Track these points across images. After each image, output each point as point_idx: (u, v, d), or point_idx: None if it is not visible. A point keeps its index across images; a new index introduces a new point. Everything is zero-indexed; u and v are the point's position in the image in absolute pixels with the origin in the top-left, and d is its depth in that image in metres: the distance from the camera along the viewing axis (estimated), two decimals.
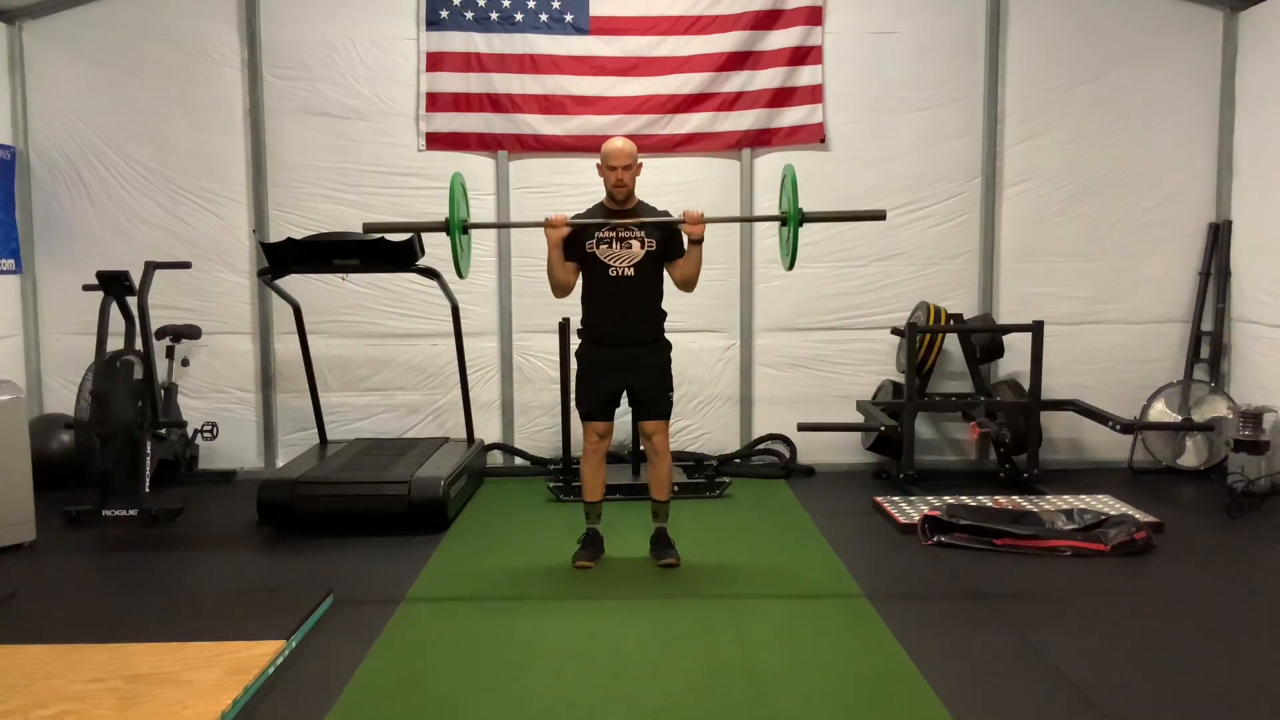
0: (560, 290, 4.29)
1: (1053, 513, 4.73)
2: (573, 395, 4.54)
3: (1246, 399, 5.63)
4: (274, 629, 3.42)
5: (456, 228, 4.08)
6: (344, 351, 6.11)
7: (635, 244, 4.19)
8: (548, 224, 4.14)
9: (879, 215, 4.29)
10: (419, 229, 4.58)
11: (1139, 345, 6.14)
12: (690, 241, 4.16)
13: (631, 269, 4.19)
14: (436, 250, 5.60)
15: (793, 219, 4.06)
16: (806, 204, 5.98)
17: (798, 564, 4.37)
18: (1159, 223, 6.09)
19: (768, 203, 6.07)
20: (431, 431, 6.15)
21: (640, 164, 4.26)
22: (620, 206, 4.22)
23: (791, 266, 4.23)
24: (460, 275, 4.31)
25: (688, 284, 4.25)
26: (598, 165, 4.27)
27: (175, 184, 5.98)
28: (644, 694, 3.06)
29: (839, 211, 4.70)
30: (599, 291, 4.25)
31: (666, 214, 4.28)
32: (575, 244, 4.20)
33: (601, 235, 4.19)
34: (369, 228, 4.27)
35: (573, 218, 4.22)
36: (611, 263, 4.19)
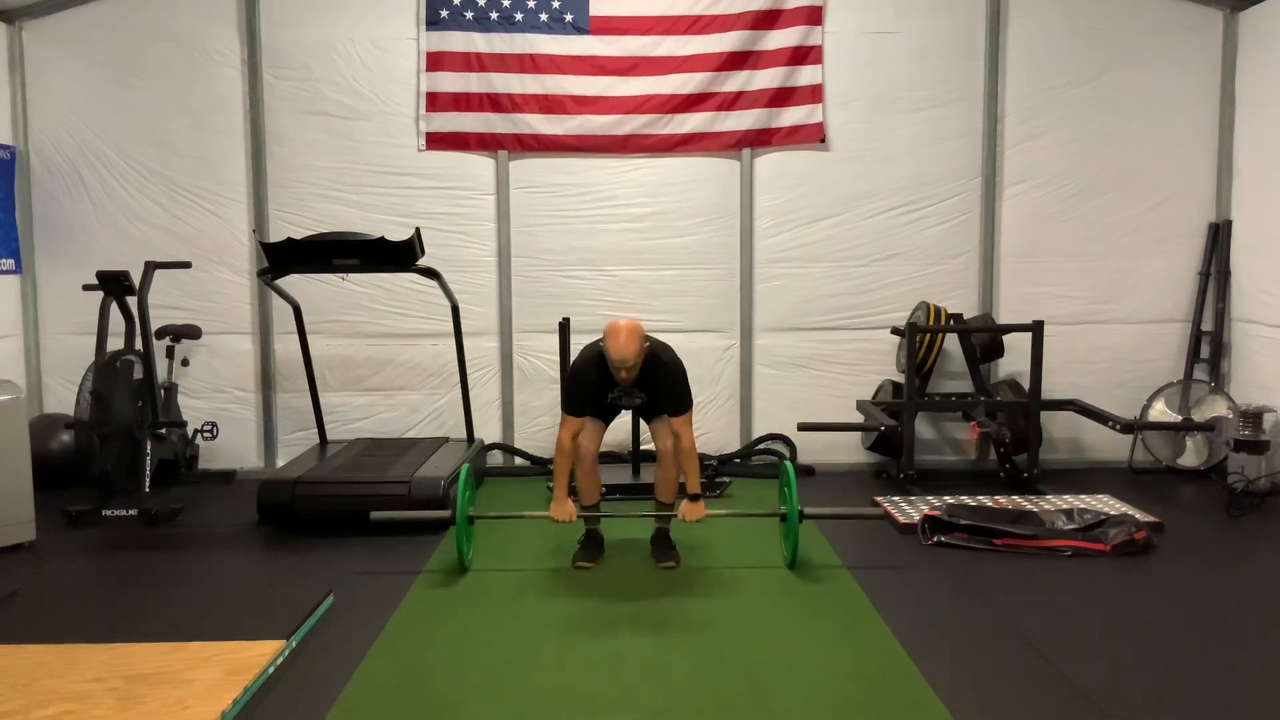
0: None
1: (1053, 513, 4.73)
2: (562, 395, 4.38)
3: (1246, 399, 5.63)
4: (274, 629, 3.42)
5: (463, 520, 4.25)
6: (344, 351, 6.11)
7: (638, 399, 4.30)
8: (553, 518, 4.25)
9: (878, 515, 4.70)
10: (423, 520, 4.57)
11: (1139, 345, 6.14)
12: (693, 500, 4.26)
13: (639, 402, 4.33)
14: (436, 250, 5.61)
15: (792, 516, 4.24)
16: (805, 204, 6.07)
17: (798, 564, 4.36)
18: (1159, 223, 6.09)
19: (767, 202, 6.08)
20: (431, 431, 6.15)
21: (645, 346, 4.09)
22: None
23: (792, 564, 4.29)
24: (464, 569, 4.28)
25: (684, 468, 4.28)
26: (600, 343, 4.13)
27: (175, 184, 5.98)
28: (644, 694, 3.06)
29: (839, 511, 4.72)
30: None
31: (669, 374, 4.20)
32: (595, 398, 4.25)
33: (612, 395, 4.27)
34: (376, 519, 4.40)
35: (582, 377, 4.22)
36: (622, 405, 4.35)
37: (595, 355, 4.16)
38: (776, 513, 4.44)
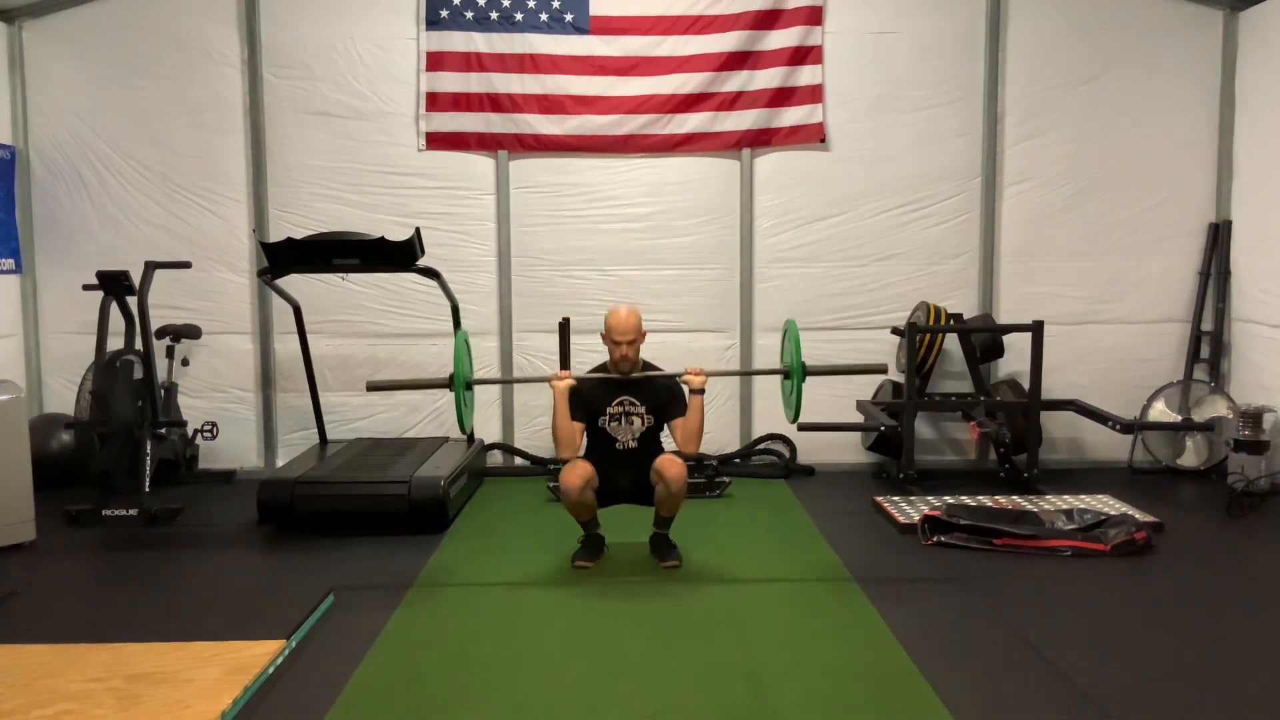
0: (566, 448, 4.19)
1: (1053, 513, 4.73)
2: (556, 411, 4.24)
3: (1246, 399, 5.62)
4: (274, 628, 3.42)
5: (461, 384, 4.19)
6: (344, 351, 6.11)
7: (637, 420, 4.28)
8: (554, 379, 4.20)
9: (880, 368, 4.54)
10: (421, 385, 4.58)
11: (1139, 345, 6.14)
12: (691, 392, 4.19)
13: (635, 442, 4.29)
14: (436, 250, 5.61)
15: (795, 373, 4.17)
16: (805, 204, 6.07)
17: (798, 564, 4.37)
18: (1159, 223, 6.09)
19: (767, 202, 6.08)
20: (431, 431, 6.15)
21: (644, 333, 4.22)
22: (624, 378, 4.26)
23: (795, 420, 4.30)
24: (463, 431, 4.32)
25: (690, 440, 4.21)
26: (601, 335, 4.23)
27: (175, 184, 5.98)
28: (645, 693, 3.06)
29: (841, 365, 4.75)
30: (605, 460, 4.31)
31: (668, 385, 4.27)
32: (589, 411, 4.25)
33: (611, 411, 4.26)
34: (372, 386, 4.37)
35: (581, 376, 4.25)
36: (618, 437, 4.28)
37: (597, 367, 4.32)
38: (780, 369, 4.38)
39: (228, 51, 5.93)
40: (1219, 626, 3.61)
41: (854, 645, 3.45)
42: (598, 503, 4.30)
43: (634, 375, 4.25)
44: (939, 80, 6.02)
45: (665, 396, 4.29)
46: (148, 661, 3.19)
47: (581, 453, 4.26)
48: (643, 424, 4.29)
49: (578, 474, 4.16)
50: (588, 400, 4.26)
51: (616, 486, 4.33)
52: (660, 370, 4.36)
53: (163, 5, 5.89)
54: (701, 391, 4.17)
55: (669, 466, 4.18)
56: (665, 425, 4.30)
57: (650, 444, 4.33)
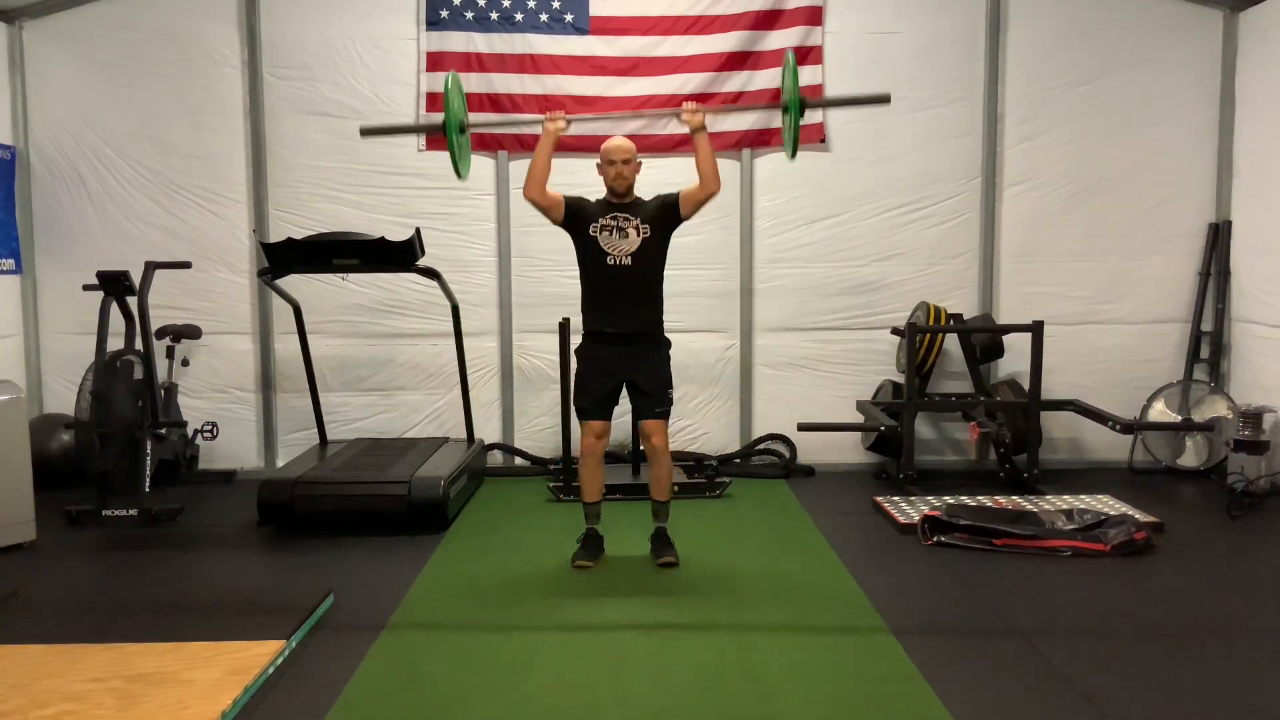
0: (534, 184, 4.17)
1: (1053, 513, 4.73)
2: (572, 393, 4.54)
3: (1246, 399, 5.63)
4: (274, 629, 3.42)
5: (454, 128, 4.08)
6: (344, 351, 6.11)
7: (632, 232, 4.21)
8: (549, 119, 4.18)
9: (883, 99, 4.30)
10: (415, 129, 4.58)
11: (1139, 345, 6.14)
12: (692, 131, 4.17)
13: (629, 258, 4.21)
14: (436, 250, 5.62)
15: (794, 106, 4.07)
16: (805, 204, 6.07)
17: (797, 564, 4.37)
18: (1159, 223, 6.09)
19: (767, 203, 6.08)
20: (431, 431, 6.15)
21: (639, 162, 4.29)
22: (620, 200, 4.25)
23: (794, 155, 4.29)
24: (460, 177, 4.27)
25: (708, 178, 4.15)
26: (597, 165, 4.29)
27: (175, 184, 5.98)
28: (644, 694, 3.06)
29: (841, 97, 4.69)
30: (597, 279, 4.26)
31: (661, 196, 4.29)
32: (580, 218, 4.24)
33: (603, 222, 4.22)
34: (365, 131, 4.38)
35: (576, 201, 4.25)
36: (610, 250, 4.21)
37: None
38: (779, 105, 4.26)
39: (228, 52, 5.93)
40: (1219, 627, 3.61)
41: (853, 645, 3.45)
42: (604, 390, 4.28)
43: (629, 200, 4.25)
44: (939, 81, 6.02)
45: (660, 201, 4.25)
46: (148, 662, 3.19)
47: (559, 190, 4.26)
48: (638, 235, 4.20)
49: (594, 431, 4.29)
50: (579, 209, 4.23)
51: (613, 345, 4.25)
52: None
53: (163, 5, 5.89)
54: (702, 129, 4.14)
55: (655, 432, 4.26)
56: (664, 245, 4.26)
57: (646, 268, 4.24)
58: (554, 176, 5.95)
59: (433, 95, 5.95)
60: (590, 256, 4.25)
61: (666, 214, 4.25)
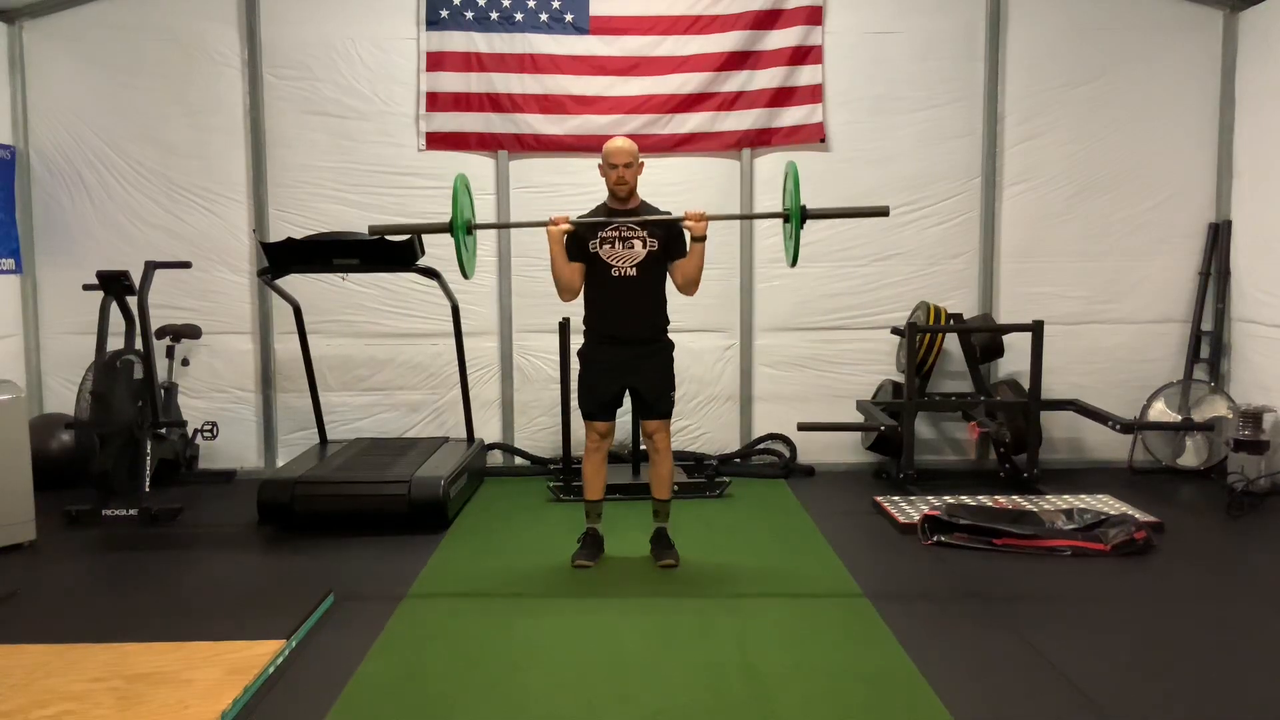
0: (566, 291, 4.25)
1: (1053, 512, 4.73)
2: (574, 394, 4.54)
3: (1246, 399, 5.63)
4: (274, 628, 3.43)
5: (460, 228, 4.09)
6: (344, 351, 6.11)
7: (637, 243, 4.19)
8: (550, 223, 4.14)
9: (882, 211, 4.27)
10: (422, 230, 4.56)
11: (1139, 345, 6.14)
12: (693, 239, 4.15)
13: (634, 269, 4.20)
14: (437, 250, 5.60)
15: (795, 216, 4.07)
16: (807, 204, 6.04)
17: (797, 564, 4.37)
18: (1159, 223, 6.09)
19: (768, 202, 6.07)
20: (432, 431, 6.15)
21: (642, 163, 4.27)
22: (622, 205, 4.23)
23: (794, 263, 4.25)
24: (465, 276, 4.32)
25: (690, 284, 4.23)
26: (599, 165, 4.27)
27: (175, 184, 5.98)
28: (644, 693, 3.06)
29: (842, 208, 4.74)
30: (602, 291, 4.25)
31: (669, 214, 4.27)
32: (579, 244, 4.21)
33: (605, 235, 4.19)
34: (374, 230, 4.28)
35: (576, 219, 4.21)
36: (614, 263, 4.20)
37: (591, 208, 4.31)
38: (780, 213, 4.26)
39: (228, 52, 5.93)
40: (1219, 626, 3.61)
41: (854, 645, 3.45)
42: (607, 394, 4.28)
43: (632, 205, 4.23)
44: (939, 80, 6.02)
45: (668, 231, 4.22)
46: (148, 662, 3.19)
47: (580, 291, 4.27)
48: (643, 247, 4.18)
49: (597, 431, 4.30)
50: (582, 230, 4.18)
51: (616, 348, 4.24)
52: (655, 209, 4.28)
53: (163, 5, 5.89)
54: (703, 239, 4.13)
55: (658, 431, 4.28)
56: (669, 266, 4.25)
57: (651, 279, 4.23)
58: (553, 176, 6.05)
59: (432, 95, 5.95)
60: (594, 268, 4.23)
61: (671, 243, 4.23)
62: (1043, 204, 6.07)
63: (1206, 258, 6.06)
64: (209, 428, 5.87)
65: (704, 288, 5.98)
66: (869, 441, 5.98)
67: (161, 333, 5.67)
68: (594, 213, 4.29)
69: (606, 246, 4.20)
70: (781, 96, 5.98)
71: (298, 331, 5.72)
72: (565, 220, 4.13)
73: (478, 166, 6.02)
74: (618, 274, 4.20)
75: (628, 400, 4.39)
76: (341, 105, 5.96)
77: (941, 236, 6.10)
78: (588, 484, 4.40)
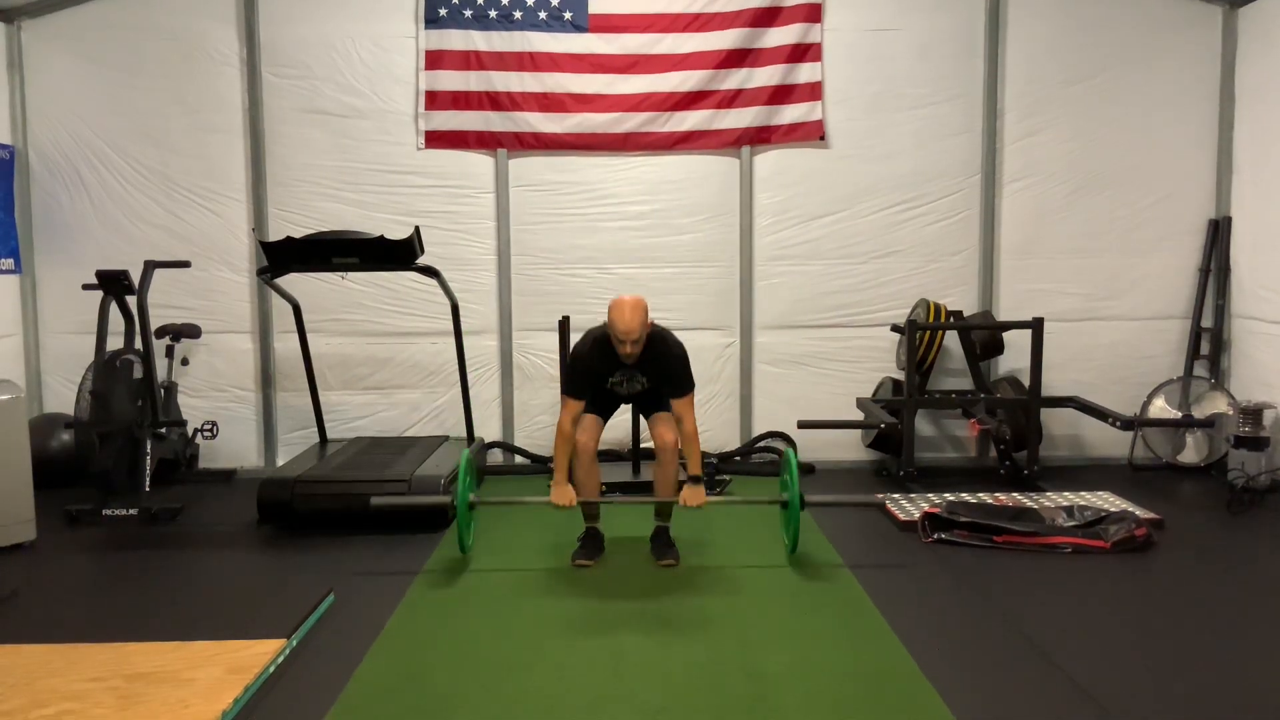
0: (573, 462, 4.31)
1: (1053, 509, 4.73)
2: (562, 376, 4.51)
3: (1247, 395, 5.62)
4: (275, 627, 3.43)
5: (464, 505, 4.29)
6: (344, 350, 6.10)
7: (638, 385, 4.33)
8: (554, 499, 4.24)
9: (877, 504, 4.67)
10: (423, 509, 4.67)
11: (1139, 342, 6.14)
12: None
13: (640, 386, 4.34)
14: (436, 249, 5.61)
15: (794, 502, 4.26)
16: (804, 201, 6.06)
17: (797, 561, 4.36)
18: (1159, 219, 6.08)
19: (767, 200, 6.07)
20: (431, 430, 6.15)
21: (650, 322, 4.16)
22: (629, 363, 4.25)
23: (794, 552, 4.36)
24: (464, 552, 4.39)
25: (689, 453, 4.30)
26: (606, 326, 4.13)
27: (175, 183, 5.98)
28: (645, 692, 3.06)
29: (839, 499, 4.93)
30: (608, 393, 4.39)
31: (672, 357, 4.22)
32: (594, 380, 4.26)
33: (614, 380, 4.29)
34: (376, 505, 4.46)
35: (584, 358, 4.24)
36: (620, 392, 4.37)
37: (598, 337, 4.20)
38: (778, 499, 4.45)
39: (227, 51, 5.92)
40: (1219, 623, 3.61)
41: (855, 643, 3.45)
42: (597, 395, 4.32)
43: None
44: (938, 77, 6.02)
45: (668, 371, 4.24)
46: (148, 661, 3.19)
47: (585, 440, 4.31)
48: (644, 387, 4.34)
49: (587, 432, 4.27)
50: (593, 376, 4.26)
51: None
52: (664, 338, 4.24)
53: (162, 5, 5.89)
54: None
55: (665, 433, 4.26)
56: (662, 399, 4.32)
57: (655, 391, 4.35)
58: (552, 174, 6.05)
59: (431, 94, 5.94)
60: (602, 393, 4.35)
61: (668, 384, 4.26)
62: (1042, 201, 6.07)
63: (1206, 254, 6.06)
64: (209, 427, 5.87)
65: (703, 285, 6.08)
66: (869, 439, 5.98)
67: (161, 332, 5.66)
68: (601, 355, 4.20)
69: (616, 384, 4.32)
70: (781, 94, 5.98)
71: (297, 330, 5.72)
72: (569, 494, 4.23)
73: (477, 165, 6.02)
74: (625, 393, 4.38)
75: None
76: (341, 104, 5.96)
77: (941, 233, 6.10)
78: (580, 486, 4.31)
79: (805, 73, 5.98)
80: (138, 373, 5.15)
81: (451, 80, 5.95)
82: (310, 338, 5.77)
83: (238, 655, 3.21)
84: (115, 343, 5.18)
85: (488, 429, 6.15)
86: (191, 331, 5.82)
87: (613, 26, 5.95)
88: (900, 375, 5.87)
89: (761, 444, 6.18)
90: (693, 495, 4.22)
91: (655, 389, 4.32)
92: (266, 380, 6.10)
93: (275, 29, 5.92)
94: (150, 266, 5.24)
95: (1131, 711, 2.90)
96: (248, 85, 5.93)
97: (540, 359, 6.13)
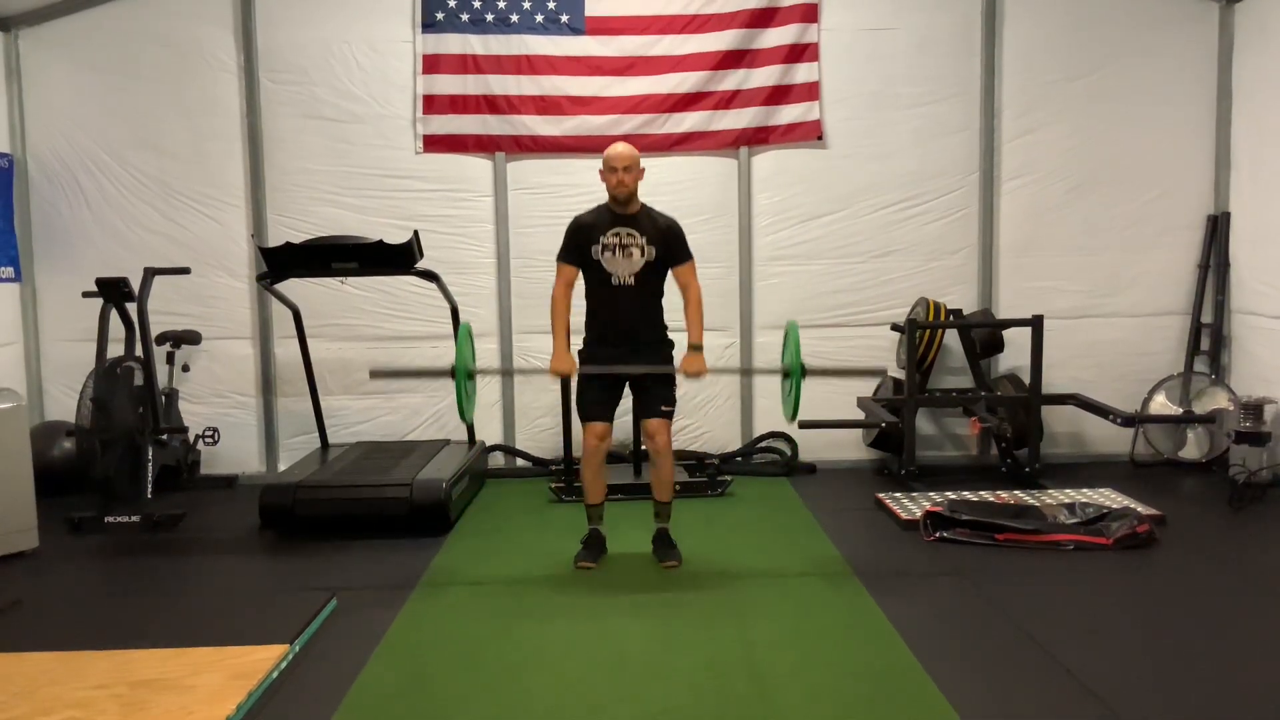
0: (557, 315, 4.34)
1: (1054, 507, 4.72)
2: (574, 395, 4.54)
3: (1247, 391, 5.62)
4: (277, 633, 3.43)
5: (462, 374, 4.26)
6: (344, 354, 6.10)
7: (636, 252, 4.21)
8: (552, 369, 4.28)
9: (879, 371, 4.60)
10: (424, 375, 4.66)
11: (1139, 338, 6.14)
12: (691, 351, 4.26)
13: (632, 278, 4.21)
14: (435, 253, 5.61)
15: (795, 373, 4.21)
16: (803, 201, 6.07)
17: (800, 561, 4.37)
18: (1158, 216, 6.08)
19: (765, 201, 6.08)
20: (433, 434, 6.15)
21: (643, 169, 4.26)
22: (623, 209, 4.23)
23: (794, 418, 4.36)
24: (464, 419, 4.43)
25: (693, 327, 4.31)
26: (600, 170, 4.25)
27: (173, 189, 5.98)
28: (647, 693, 3.06)
29: (840, 368, 4.92)
30: (601, 299, 4.27)
31: (670, 221, 4.27)
32: (580, 251, 4.23)
33: (605, 242, 4.20)
34: (375, 373, 4.48)
35: (578, 219, 4.26)
36: (614, 270, 4.21)
37: (593, 207, 4.30)
38: (779, 369, 4.43)
39: (224, 57, 5.93)
40: (1222, 619, 3.60)
41: (857, 642, 3.45)
42: (605, 393, 4.30)
43: (632, 209, 4.24)
44: (936, 76, 6.02)
45: (667, 234, 4.24)
46: (151, 668, 3.19)
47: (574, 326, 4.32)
48: (642, 256, 4.20)
49: (597, 435, 4.25)
50: (584, 234, 4.22)
51: (615, 347, 4.26)
52: (658, 211, 4.31)
53: (158, 11, 5.89)
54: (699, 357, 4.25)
55: (658, 436, 4.24)
56: (669, 269, 4.28)
57: (649, 288, 4.25)
58: (550, 177, 6.06)
59: (429, 97, 5.95)
60: (593, 275, 4.25)
61: (668, 250, 4.25)
62: (1041, 198, 6.07)
63: (1205, 250, 6.06)
64: (210, 433, 5.87)
65: (703, 285, 5.96)
66: (870, 438, 5.98)
67: (161, 339, 5.67)
68: (596, 214, 4.29)
69: (607, 254, 4.20)
70: (778, 94, 5.98)
71: (297, 336, 5.72)
72: (566, 364, 4.27)
73: (475, 168, 6.02)
74: (617, 282, 4.22)
75: (627, 400, 4.39)
76: (338, 109, 5.96)
77: (940, 232, 6.10)
78: (588, 489, 4.39)
79: (802, 73, 5.98)
80: (139, 380, 5.16)
81: (449, 84, 5.95)
82: (310, 343, 5.77)
83: (240, 661, 3.21)
84: (116, 350, 5.18)
85: (489, 432, 6.15)
86: (192, 338, 5.83)
87: (609, 29, 5.96)
88: (901, 374, 5.86)
89: (762, 444, 6.18)
90: (692, 363, 4.20)
91: (653, 268, 4.21)
92: (267, 386, 6.10)
93: (272, 34, 5.92)
94: (150, 273, 5.24)
95: (1135, 708, 2.90)
96: (246, 91, 5.93)
97: (541, 361, 6.09)
